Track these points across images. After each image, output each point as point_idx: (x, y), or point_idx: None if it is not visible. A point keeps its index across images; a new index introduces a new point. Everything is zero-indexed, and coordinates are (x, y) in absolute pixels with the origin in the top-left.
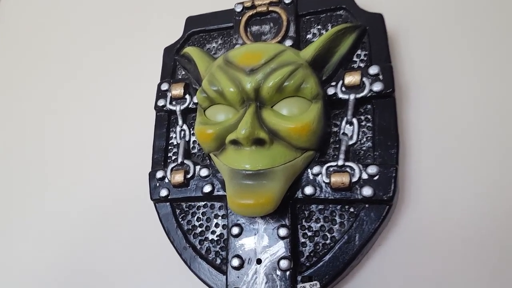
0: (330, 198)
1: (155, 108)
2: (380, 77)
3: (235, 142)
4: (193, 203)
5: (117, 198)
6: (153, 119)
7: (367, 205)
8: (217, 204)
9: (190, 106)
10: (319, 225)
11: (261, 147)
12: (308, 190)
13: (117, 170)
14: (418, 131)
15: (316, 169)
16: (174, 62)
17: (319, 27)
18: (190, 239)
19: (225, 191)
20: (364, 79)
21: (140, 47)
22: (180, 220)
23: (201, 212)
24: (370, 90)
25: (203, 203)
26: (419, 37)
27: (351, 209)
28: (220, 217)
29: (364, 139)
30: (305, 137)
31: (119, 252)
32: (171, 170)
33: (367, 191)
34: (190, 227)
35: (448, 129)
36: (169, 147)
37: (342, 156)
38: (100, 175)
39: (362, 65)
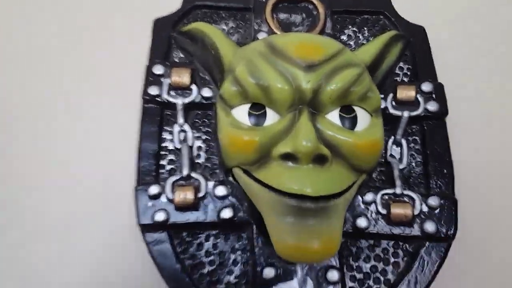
0: (384, 233)
1: (143, 97)
2: (434, 96)
3: (288, 157)
4: (198, 232)
5: (82, 217)
6: (133, 110)
7: (426, 243)
8: (234, 234)
9: (196, 100)
10: (369, 265)
11: (320, 166)
12: (362, 222)
13: (79, 180)
14: (468, 157)
15: (369, 197)
16: (168, 39)
17: (354, 29)
18: (195, 281)
19: (248, 216)
20: (417, 95)
21: (118, 14)
22: (180, 255)
23: (211, 244)
24: (425, 109)
25: (214, 231)
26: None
27: (407, 246)
28: (239, 252)
29: (414, 164)
30: (371, 156)
31: None
32: (173, 185)
33: (430, 227)
34: (195, 265)
35: (498, 154)
36: (162, 153)
37: (398, 182)
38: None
39: (405, 79)
